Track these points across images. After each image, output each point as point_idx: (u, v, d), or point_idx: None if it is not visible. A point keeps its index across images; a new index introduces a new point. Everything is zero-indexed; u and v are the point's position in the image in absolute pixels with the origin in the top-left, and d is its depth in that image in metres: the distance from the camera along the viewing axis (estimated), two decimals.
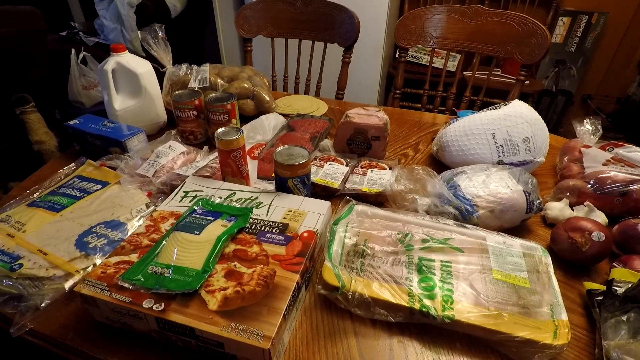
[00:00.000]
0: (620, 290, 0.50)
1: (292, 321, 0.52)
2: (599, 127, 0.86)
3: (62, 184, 0.74)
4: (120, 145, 0.84)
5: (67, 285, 0.55)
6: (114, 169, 0.80)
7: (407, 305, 0.51)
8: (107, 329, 0.53)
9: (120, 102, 0.94)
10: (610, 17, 2.42)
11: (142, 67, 0.94)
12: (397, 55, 1.52)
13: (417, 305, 0.51)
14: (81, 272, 0.57)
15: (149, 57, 1.03)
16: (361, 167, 0.85)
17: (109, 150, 0.86)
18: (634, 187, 0.68)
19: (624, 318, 0.46)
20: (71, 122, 0.89)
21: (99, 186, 0.74)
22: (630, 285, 0.50)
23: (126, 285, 0.49)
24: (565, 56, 2.58)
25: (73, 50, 1.87)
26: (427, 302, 0.52)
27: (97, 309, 0.50)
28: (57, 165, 0.83)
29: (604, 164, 0.75)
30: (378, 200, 0.78)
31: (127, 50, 0.92)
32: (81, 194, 0.71)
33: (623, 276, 0.52)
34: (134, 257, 0.54)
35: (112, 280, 0.50)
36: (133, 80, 0.93)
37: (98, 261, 0.58)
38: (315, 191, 0.79)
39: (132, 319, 0.49)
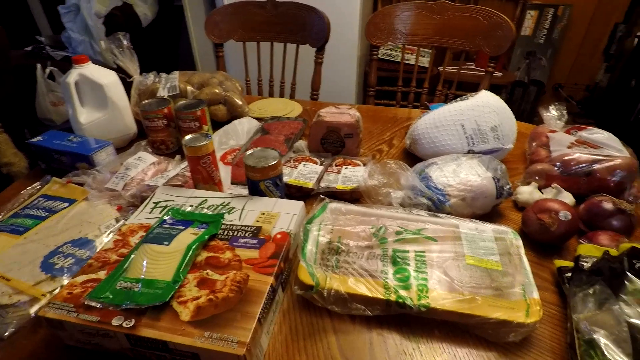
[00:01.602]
0: (586, 265, 0.51)
1: (269, 325, 0.52)
2: (564, 112, 0.88)
3: (25, 205, 0.72)
4: (88, 160, 0.82)
5: (33, 310, 0.53)
6: (82, 185, 0.78)
7: (383, 297, 0.52)
8: (78, 352, 0.51)
9: (86, 116, 0.91)
10: (575, 9, 2.49)
11: (107, 78, 0.92)
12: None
13: (393, 297, 0.51)
14: (47, 295, 0.55)
15: (120, 68, 1.01)
16: (335, 165, 0.85)
17: (75, 167, 0.84)
18: (597, 166, 0.70)
19: (591, 291, 0.47)
20: (34, 140, 0.86)
21: (66, 204, 0.72)
22: (595, 259, 0.51)
23: (93, 304, 0.48)
24: (535, 48, 2.64)
25: (39, 66, 1.83)
26: (402, 292, 0.52)
27: (65, 332, 0.48)
28: (21, 186, 0.79)
29: (569, 147, 0.76)
30: (353, 196, 0.78)
31: (90, 62, 0.90)
32: (46, 213, 0.69)
33: (589, 251, 0.53)
34: (102, 275, 0.52)
35: (79, 300, 0.48)
36: (98, 92, 0.91)
37: (65, 282, 0.56)
38: (291, 192, 0.79)
39: (103, 338, 0.47)
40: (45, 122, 1.92)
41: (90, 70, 0.90)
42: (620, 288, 0.46)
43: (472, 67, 2.55)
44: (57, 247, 0.62)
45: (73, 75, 0.88)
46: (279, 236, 0.59)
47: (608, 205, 0.64)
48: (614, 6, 2.47)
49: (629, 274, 0.47)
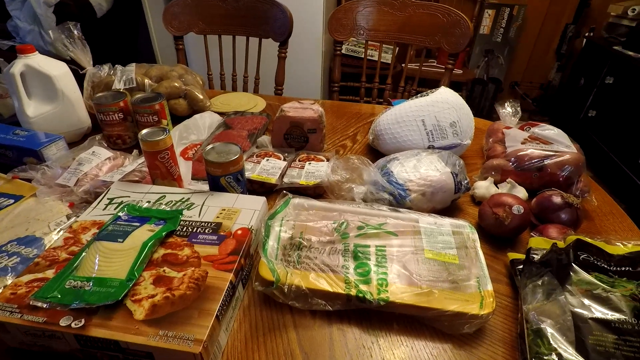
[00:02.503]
0: (536, 257, 0.53)
1: (229, 322, 0.51)
2: (518, 109, 0.92)
3: None
4: (36, 155, 0.78)
5: None
6: (29, 180, 0.73)
7: (343, 292, 0.52)
8: (24, 355, 0.48)
9: (33, 109, 0.86)
10: (529, 9, 2.61)
11: (57, 69, 0.87)
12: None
13: (353, 292, 0.52)
14: None
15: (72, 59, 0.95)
16: (299, 160, 0.84)
17: (22, 162, 0.79)
18: (547, 162, 0.74)
19: (540, 282, 0.49)
20: None
21: (11, 201, 0.67)
22: (544, 251, 0.54)
23: (39, 304, 0.45)
24: (493, 46, 2.74)
25: None
26: (363, 287, 0.52)
27: (7, 334, 0.45)
28: None
29: (523, 143, 0.80)
30: (317, 192, 0.78)
31: (37, 52, 0.85)
32: None
33: (539, 244, 0.56)
34: (50, 274, 0.50)
35: (24, 300, 0.46)
36: (47, 84, 0.86)
37: (10, 282, 0.53)
38: (254, 188, 0.78)
39: (50, 339, 0.45)
40: None
41: (38, 60, 0.85)
42: (566, 279, 0.48)
43: (434, 64, 2.61)
44: (1, 246, 0.58)
45: (18, 66, 0.82)
46: (239, 232, 0.58)
47: (557, 199, 0.67)
48: (564, 7, 2.60)
49: (573, 265, 0.49)
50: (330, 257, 0.57)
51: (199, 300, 0.47)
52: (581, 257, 0.49)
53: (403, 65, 1.42)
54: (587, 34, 2.58)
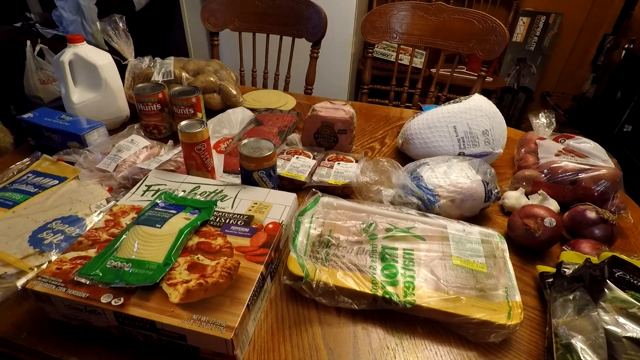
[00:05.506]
0: (568, 272, 0.53)
1: (257, 312, 0.52)
2: (553, 120, 0.90)
3: (14, 180, 0.71)
4: (79, 140, 0.81)
5: (20, 283, 0.53)
6: (72, 163, 0.77)
7: (370, 292, 0.53)
8: (64, 327, 0.51)
9: (78, 95, 0.90)
10: (566, 18, 2.53)
11: (102, 59, 0.91)
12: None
13: (380, 292, 0.52)
14: (35, 269, 0.55)
15: (111, 50, 1.00)
16: (328, 160, 0.85)
17: (66, 145, 0.83)
18: (582, 175, 0.72)
19: (571, 297, 0.49)
20: (25, 116, 0.84)
21: (56, 181, 0.71)
22: (577, 266, 0.53)
23: (83, 280, 0.48)
24: (525, 55, 2.68)
25: (28, 42, 1.78)
26: (389, 288, 0.53)
27: (52, 306, 0.48)
28: (10, 161, 0.78)
29: (557, 155, 0.78)
30: (344, 192, 0.79)
31: (85, 42, 0.89)
32: (36, 189, 0.68)
33: (571, 258, 0.55)
34: (92, 253, 0.52)
35: (68, 276, 0.49)
36: (92, 73, 0.90)
37: (54, 258, 0.56)
38: (283, 184, 0.79)
39: (90, 315, 0.47)
40: (32, 100, 1.87)
41: (85, 50, 0.89)
42: (600, 295, 0.47)
43: (464, 70, 2.58)
44: (47, 223, 0.61)
45: (67, 54, 0.86)
46: (270, 226, 0.59)
47: (591, 214, 0.66)
48: (603, 17, 2.52)
49: (608, 282, 0.48)
50: (358, 256, 0.58)
51: (230, 288, 0.48)
52: (616, 274, 0.48)
53: (433, 70, 1.41)
54: (626, 46, 2.49)
